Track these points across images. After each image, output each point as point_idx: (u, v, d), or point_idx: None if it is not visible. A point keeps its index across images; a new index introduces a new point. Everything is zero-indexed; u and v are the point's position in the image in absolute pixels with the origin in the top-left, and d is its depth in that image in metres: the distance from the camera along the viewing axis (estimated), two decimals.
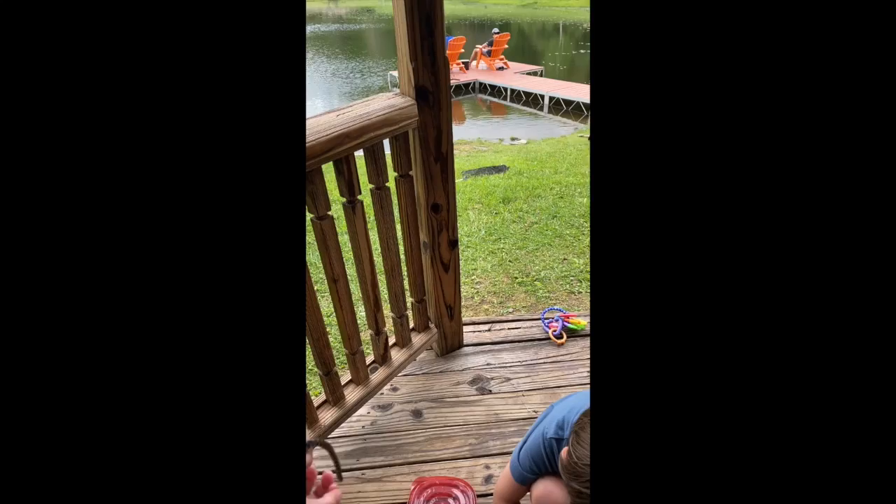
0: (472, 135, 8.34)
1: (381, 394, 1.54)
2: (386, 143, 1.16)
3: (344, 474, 1.32)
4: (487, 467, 1.32)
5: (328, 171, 1.07)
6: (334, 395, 1.33)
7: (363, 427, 1.45)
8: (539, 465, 0.99)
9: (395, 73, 12.93)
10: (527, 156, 5.58)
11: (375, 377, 1.43)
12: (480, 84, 12.75)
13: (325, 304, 2.05)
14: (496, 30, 14.48)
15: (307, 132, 0.97)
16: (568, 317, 1.79)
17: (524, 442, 1.05)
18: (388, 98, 1.15)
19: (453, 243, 1.47)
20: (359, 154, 1.10)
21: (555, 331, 1.74)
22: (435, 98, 1.20)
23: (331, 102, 12.13)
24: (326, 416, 1.32)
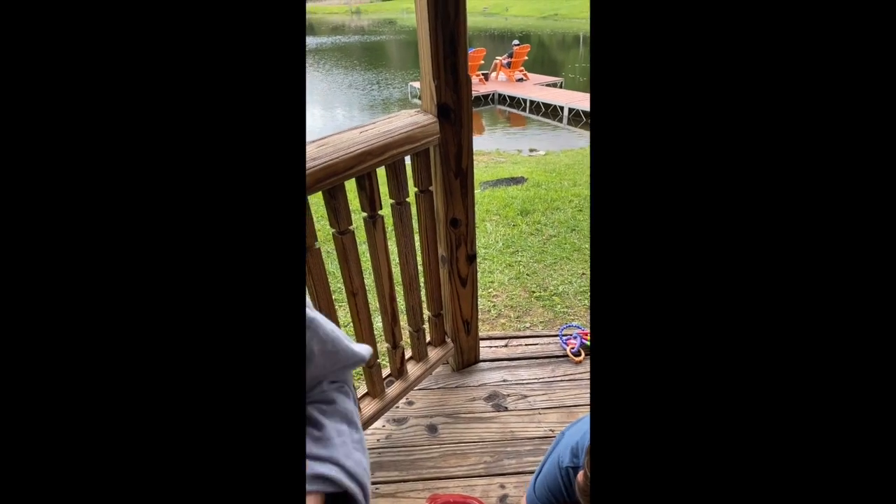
0: (490, 146, 8.35)
1: (397, 407, 1.54)
2: (407, 157, 1.17)
3: None
4: (503, 486, 1.30)
5: (348, 183, 1.08)
6: None
7: (378, 440, 1.44)
8: (556, 496, 0.98)
9: (415, 84, 13.16)
10: (545, 167, 5.57)
11: (391, 391, 1.43)
12: (500, 95, 12.81)
13: (343, 315, 2.06)
14: (516, 41, 14.58)
15: (331, 149, 0.98)
16: (586, 334, 1.77)
17: (538, 472, 1.03)
18: (411, 115, 1.17)
19: (471, 258, 1.47)
20: (379, 168, 1.11)
21: (573, 348, 1.72)
22: (457, 115, 1.20)
23: (350, 113, 12.32)
24: None
